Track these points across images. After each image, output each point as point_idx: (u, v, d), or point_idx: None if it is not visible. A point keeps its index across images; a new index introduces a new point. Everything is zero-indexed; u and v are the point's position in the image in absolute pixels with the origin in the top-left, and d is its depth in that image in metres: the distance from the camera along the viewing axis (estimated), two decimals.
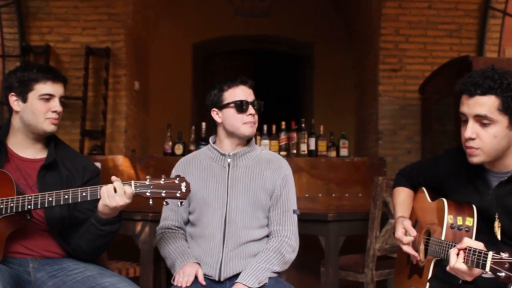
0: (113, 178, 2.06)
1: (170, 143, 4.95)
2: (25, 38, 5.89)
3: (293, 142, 4.93)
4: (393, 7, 6.03)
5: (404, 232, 2.14)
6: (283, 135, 4.92)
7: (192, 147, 4.95)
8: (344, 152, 5.03)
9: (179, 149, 4.91)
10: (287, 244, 2.35)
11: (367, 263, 3.47)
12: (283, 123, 4.91)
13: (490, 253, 1.57)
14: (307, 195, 4.63)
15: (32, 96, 2.23)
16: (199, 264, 2.30)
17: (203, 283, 2.21)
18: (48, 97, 2.24)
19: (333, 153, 4.98)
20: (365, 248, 3.51)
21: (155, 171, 4.76)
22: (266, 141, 4.80)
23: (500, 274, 1.52)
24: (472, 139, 1.91)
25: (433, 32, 6.06)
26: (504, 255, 1.52)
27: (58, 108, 2.27)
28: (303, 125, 4.99)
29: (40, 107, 2.24)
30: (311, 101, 7.80)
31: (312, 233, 3.58)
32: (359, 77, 7.10)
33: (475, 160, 1.94)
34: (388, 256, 3.90)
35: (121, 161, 4.76)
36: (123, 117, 6.03)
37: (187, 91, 7.70)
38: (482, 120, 1.89)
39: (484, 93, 1.87)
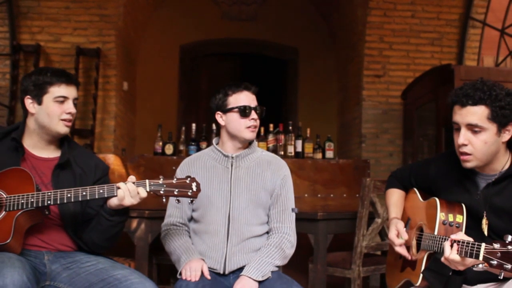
0: (129, 178, 2.19)
1: (161, 143, 5.06)
2: (15, 37, 5.92)
3: (280, 144, 5.07)
4: (378, 15, 6.21)
5: (397, 234, 2.31)
6: (271, 137, 5.06)
7: (181, 147, 5.07)
8: (329, 154, 5.19)
9: (169, 149, 5.02)
10: (287, 240, 2.51)
11: (354, 260, 3.63)
12: (271, 125, 5.05)
13: (483, 244, 1.74)
14: (294, 196, 4.78)
15: (47, 98, 2.33)
16: (203, 260, 2.43)
17: (209, 277, 2.34)
18: (62, 99, 2.34)
19: (319, 155, 5.13)
20: (352, 245, 3.67)
21: (146, 170, 4.86)
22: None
23: (492, 262, 1.69)
24: (465, 145, 2.09)
25: (416, 40, 6.27)
26: (496, 246, 1.69)
27: (72, 109, 2.38)
28: (290, 127, 5.14)
29: (55, 109, 2.33)
30: (296, 104, 7.95)
31: (301, 231, 3.72)
32: (343, 82, 7.28)
33: (469, 165, 2.13)
34: (374, 254, 4.08)
35: (112, 160, 4.84)
36: (112, 116, 6.10)
37: (173, 92, 7.79)
38: (474, 128, 2.07)
39: (475, 103, 2.05)
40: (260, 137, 5.00)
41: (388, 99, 6.25)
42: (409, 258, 2.29)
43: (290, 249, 2.53)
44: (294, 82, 8.02)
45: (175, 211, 2.59)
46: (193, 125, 5.08)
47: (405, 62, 6.26)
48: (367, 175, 4.89)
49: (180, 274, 2.38)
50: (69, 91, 2.37)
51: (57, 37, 6.05)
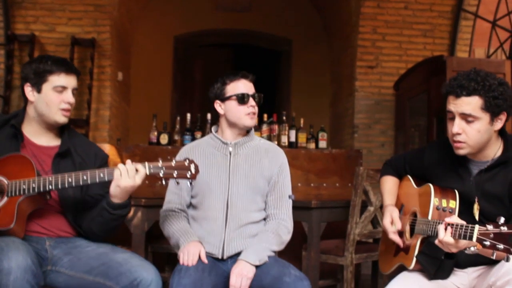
0: (127, 161, 2.23)
1: (156, 133, 5.10)
2: (10, 26, 5.91)
3: (274, 133, 5.12)
4: (371, 6, 6.25)
5: (391, 222, 2.38)
6: (265, 127, 5.11)
7: (176, 137, 5.11)
8: (322, 144, 5.25)
9: (164, 139, 5.06)
10: (283, 226, 2.58)
11: (347, 247, 3.70)
12: (265, 115, 5.10)
13: (477, 226, 1.81)
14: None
15: (46, 87, 2.35)
16: (201, 243, 2.48)
17: (206, 261, 2.39)
18: (61, 89, 2.35)
19: (312, 145, 5.19)
20: (345, 233, 3.74)
21: (141, 159, 4.83)
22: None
23: (485, 243, 1.75)
24: (459, 134, 2.15)
25: (408, 31, 6.31)
26: (490, 227, 1.75)
27: (71, 99, 2.39)
28: (284, 117, 5.19)
29: (54, 98, 2.35)
30: (289, 95, 7.99)
31: (295, 219, 3.78)
32: (336, 72, 7.33)
33: (462, 152, 2.19)
34: (366, 241, 4.15)
35: (108, 149, 4.86)
36: (107, 107, 6.12)
37: (167, 83, 7.81)
38: (467, 118, 2.13)
39: (469, 94, 2.11)
40: (254, 127, 5.04)
41: (380, 90, 6.30)
42: (401, 245, 2.35)
43: (286, 235, 2.59)
44: (287, 73, 8.07)
45: (174, 197, 2.64)
46: (188, 115, 5.12)
47: (398, 53, 6.31)
48: (359, 165, 4.95)
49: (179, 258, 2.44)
50: (69, 81, 2.38)
51: (52, 27, 6.05)
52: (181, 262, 2.38)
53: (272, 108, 6.31)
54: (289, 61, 8.06)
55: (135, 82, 7.35)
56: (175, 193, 2.63)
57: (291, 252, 4.21)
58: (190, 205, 2.66)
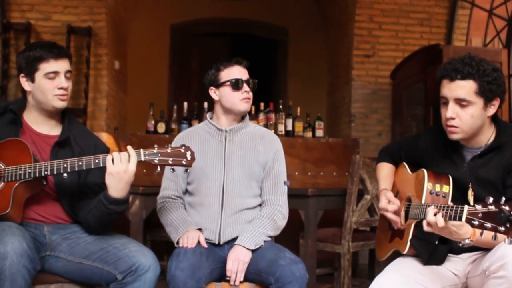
0: (128, 147, 2.23)
1: (153, 122, 5.09)
2: (5, 15, 5.86)
3: (271, 122, 5.12)
4: None
5: (388, 202, 2.39)
6: (261, 116, 5.11)
7: (174, 126, 5.12)
8: (319, 133, 5.25)
9: (161, 127, 5.06)
10: (279, 212, 2.59)
11: (344, 235, 3.73)
12: (262, 104, 5.11)
13: (466, 206, 1.83)
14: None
15: (39, 75, 2.34)
16: (200, 230, 2.50)
17: (205, 245, 2.42)
18: (53, 75, 2.34)
19: (309, 134, 5.19)
20: (342, 222, 3.76)
21: (138, 148, 4.89)
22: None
23: (474, 222, 1.77)
24: (453, 118, 2.16)
25: (405, 20, 6.30)
26: (478, 207, 1.77)
27: (64, 84, 2.36)
28: (280, 106, 5.20)
29: (47, 85, 2.34)
30: (286, 84, 7.98)
31: (292, 207, 3.80)
32: (332, 62, 7.32)
33: (455, 137, 2.20)
34: (363, 230, 4.18)
35: (105, 138, 4.86)
36: (104, 95, 6.09)
37: (164, 72, 7.79)
38: (461, 102, 2.14)
39: (463, 78, 2.12)
40: (251, 116, 5.01)
41: (377, 79, 6.30)
42: (399, 225, 2.35)
43: (282, 221, 2.61)
44: (284, 62, 8.05)
45: (170, 184, 2.65)
46: (185, 103, 5.12)
47: (395, 42, 6.31)
48: (356, 154, 4.96)
49: (178, 243, 2.45)
50: (59, 65, 2.35)
51: (47, 15, 6.00)
52: (180, 244, 2.40)
53: (269, 97, 6.30)
54: (285, 50, 8.04)
55: (132, 71, 7.33)
56: (171, 180, 2.64)
57: (289, 240, 4.23)
58: (186, 192, 2.67)
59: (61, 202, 2.40)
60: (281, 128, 5.13)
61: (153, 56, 7.60)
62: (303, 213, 3.85)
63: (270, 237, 2.59)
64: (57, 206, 2.41)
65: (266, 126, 5.07)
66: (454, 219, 1.87)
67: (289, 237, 4.15)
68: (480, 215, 1.75)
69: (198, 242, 2.43)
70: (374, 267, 4.19)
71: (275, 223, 2.56)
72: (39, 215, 2.36)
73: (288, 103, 5.44)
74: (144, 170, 4.40)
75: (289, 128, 5.17)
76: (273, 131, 5.08)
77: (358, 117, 6.30)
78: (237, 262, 2.38)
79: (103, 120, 6.05)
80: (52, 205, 2.40)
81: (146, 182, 4.06)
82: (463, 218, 1.81)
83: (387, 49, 6.31)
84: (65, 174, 2.23)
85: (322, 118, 5.33)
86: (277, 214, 2.58)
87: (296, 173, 4.86)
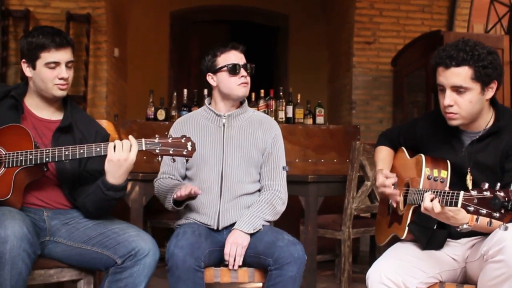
0: (130, 137, 2.23)
1: (153, 109, 5.08)
2: (4, 2, 5.83)
3: (271, 109, 5.11)
4: None
5: (386, 177, 2.38)
6: (261, 103, 5.09)
7: (173, 113, 5.10)
8: (320, 120, 5.23)
9: (161, 114, 5.05)
10: (277, 197, 2.59)
11: (344, 221, 3.72)
12: (262, 91, 5.08)
13: (462, 192, 1.81)
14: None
15: (39, 64, 2.33)
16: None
17: (199, 192, 2.40)
18: (54, 65, 2.32)
19: (309, 121, 5.17)
20: (342, 208, 3.76)
21: (138, 135, 4.81)
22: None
23: (469, 208, 1.76)
24: (451, 105, 2.14)
25: (406, 6, 6.26)
26: (474, 193, 1.75)
27: (65, 74, 2.34)
28: (281, 93, 5.18)
29: (47, 74, 2.33)
30: (286, 71, 7.95)
31: (292, 194, 3.80)
32: (333, 48, 7.28)
33: (455, 123, 2.19)
34: (363, 216, 4.17)
35: (105, 125, 4.85)
36: (104, 83, 6.08)
37: (164, 59, 7.76)
38: (459, 89, 2.12)
39: (458, 64, 2.09)
40: (251, 103, 5.02)
41: (378, 66, 6.28)
42: (397, 200, 2.35)
43: (281, 206, 2.61)
44: (284, 49, 8.02)
45: (169, 168, 2.65)
46: (185, 90, 5.11)
47: (396, 29, 6.27)
48: (357, 140, 4.96)
49: (175, 208, 2.48)
50: (60, 56, 2.33)
51: (46, 2, 5.97)
52: (174, 195, 2.41)
53: (270, 84, 6.29)
54: (286, 37, 8.01)
55: (131, 58, 7.30)
56: (170, 165, 2.64)
57: (289, 227, 4.22)
58: (186, 177, 2.67)
59: (62, 187, 2.41)
60: (281, 115, 5.12)
61: (153, 43, 7.57)
62: (304, 199, 3.84)
63: (269, 222, 2.59)
64: (57, 192, 2.41)
65: (266, 113, 5.04)
66: (450, 204, 1.86)
67: (289, 223, 4.17)
68: (475, 201, 1.74)
69: (197, 224, 2.45)
70: (375, 254, 4.19)
71: (274, 208, 2.56)
72: (40, 200, 2.36)
73: (289, 90, 5.42)
74: (145, 157, 4.40)
75: (290, 115, 5.16)
76: (273, 118, 5.08)
77: (359, 104, 6.29)
78: (235, 246, 2.39)
79: (103, 107, 6.04)
80: (52, 191, 2.40)
81: (146, 169, 4.06)
82: (459, 204, 1.80)
83: (388, 36, 6.28)
84: (66, 160, 2.24)
85: (322, 105, 5.31)
86: (276, 199, 2.58)
87: (297, 160, 4.86)
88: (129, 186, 3.71)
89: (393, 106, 6.24)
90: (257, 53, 8.31)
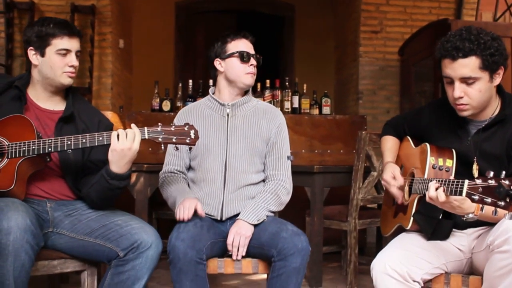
0: (132, 125, 2.21)
1: (158, 100, 5.06)
2: None
3: (277, 99, 5.07)
4: None
5: (393, 177, 2.35)
6: (267, 93, 5.05)
7: (179, 104, 5.08)
8: (326, 110, 5.19)
9: (166, 105, 5.03)
10: (282, 187, 2.56)
11: (350, 212, 3.69)
12: (268, 81, 5.05)
13: (467, 181, 1.78)
14: (290, 151, 4.80)
15: (50, 50, 2.33)
16: (197, 199, 2.45)
17: (203, 214, 2.38)
18: (65, 52, 2.34)
19: (315, 111, 5.13)
20: (348, 199, 3.73)
21: (143, 126, 4.86)
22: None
23: (474, 197, 1.73)
24: (461, 97, 2.09)
25: None
26: (478, 181, 1.72)
27: (75, 62, 2.38)
28: (287, 83, 5.14)
29: (57, 61, 2.34)
30: (292, 61, 7.90)
31: (298, 184, 3.77)
32: (340, 38, 7.23)
33: (466, 113, 2.14)
34: (369, 207, 4.14)
35: (110, 116, 4.85)
36: (109, 74, 6.07)
37: (170, 50, 7.73)
38: (467, 80, 2.07)
39: (465, 55, 2.04)
40: (256, 93, 5.01)
41: (385, 55, 6.23)
42: (400, 201, 2.33)
43: (285, 196, 2.58)
44: (290, 39, 7.97)
45: (173, 159, 2.63)
46: (190, 81, 5.08)
47: (403, 18, 6.22)
48: (363, 130, 4.92)
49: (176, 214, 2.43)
50: (72, 44, 2.36)
51: None
52: (177, 217, 2.38)
53: (276, 74, 6.25)
54: (292, 27, 7.95)
55: (137, 49, 7.28)
56: (174, 155, 2.62)
57: (295, 218, 4.20)
58: (190, 168, 2.65)
59: (65, 178, 2.40)
60: (287, 105, 5.08)
61: (158, 34, 7.53)
62: (309, 190, 3.82)
63: (274, 213, 2.57)
64: (61, 183, 2.40)
65: (272, 103, 5.02)
66: (455, 193, 1.83)
67: (295, 214, 4.14)
68: (480, 189, 1.70)
69: (198, 217, 2.40)
70: (382, 245, 4.15)
71: (278, 198, 2.53)
72: (43, 191, 2.36)
73: (295, 80, 5.38)
74: (150, 149, 4.39)
75: (296, 105, 5.12)
76: (279, 108, 5.05)
77: (365, 94, 6.24)
78: (238, 236, 2.37)
79: (108, 99, 6.04)
80: (56, 182, 2.39)
81: (151, 160, 4.04)
82: (464, 193, 1.77)
83: (395, 25, 6.23)
84: (69, 150, 2.23)
85: (329, 95, 5.26)
86: (281, 189, 2.55)
87: (303, 150, 4.83)
88: (134, 178, 3.70)
89: (400, 96, 6.19)
90: (263, 43, 8.32)
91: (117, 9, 6.31)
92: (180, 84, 5.18)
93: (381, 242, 4.27)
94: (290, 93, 5.11)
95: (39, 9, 5.93)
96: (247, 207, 2.47)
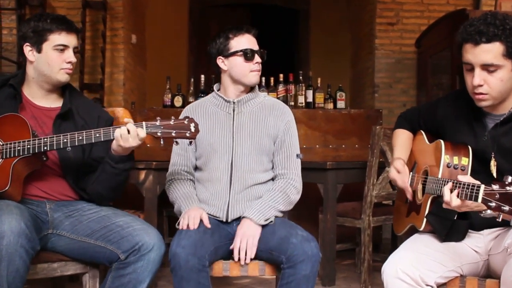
0: (126, 120, 2.14)
1: (170, 95, 5.00)
2: None
3: (291, 94, 4.99)
4: None
5: (397, 172, 2.25)
6: (281, 87, 4.97)
7: (191, 99, 5.00)
8: (341, 104, 5.09)
9: (178, 101, 4.97)
10: (292, 186, 2.47)
11: (364, 209, 3.60)
12: (281, 75, 4.96)
13: (482, 186, 1.66)
14: (304, 146, 4.72)
15: (47, 46, 2.28)
16: (203, 209, 2.39)
17: (208, 226, 2.29)
18: (63, 48, 2.29)
19: (330, 105, 5.04)
20: (362, 196, 3.63)
21: None
22: (264, 93, 4.84)
23: (491, 204, 1.61)
24: (481, 85, 1.96)
25: None
26: (495, 187, 1.60)
27: (72, 58, 2.32)
28: (300, 77, 5.05)
29: (55, 57, 2.28)
30: (308, 55, 7.80)
31: (311, 181, 3.69)
32: (355, 31, 7.10)
33: (484, 104, 2.01)
34: (384, 204, 4.04)
35: (122, 113, 4.80)
36: (121, 70, 6.03)
37: (183, 44, 7.67)
38: (489, 68, 1.94)
39: (489, 40, 1.90)
40: (270, 88, 4.93)
41: (401, 47, 6.10)
42: (411, 195, 2.23)
43: (295, 195, 2.48)
44: (306, 32, 7.85)
45: (179, 159, 2.55)
46: (202, 76, 5.00)
47: (419, 9, 6.07)
48: (379, 125, 4.81)
49: (178, 223, 2.35)
50: (69, 39, 2.31)
51: None
52: (180, 226, 2.30)
53: (291, 68, 6.15)
54: (307, 20, 7.84)
55: (150, 44, 7.22)
56: (180, 155, 2.55)
57: (308, 215, 4.14)
58: (196, 167, 2.56)
59: (66, 178, 2.34)
60: (301, 100, 5.00)
61: (172, 29, 7.47)
62: (322, 187, 3.74)
63: (283, 212, 2.47)
64: (62, 182, 2.35)
65: (285, 98, 4.96)
66: (470, 198, 1.72)
67: (307, 212, 4.06)
68: (497, 196, 1.59)
69: (201, 221, 2.31)
70: (397, 242, 4.06)
71: (287, 197, 2.44)
72: (43, 192, 2.30)
73: (309, 74, 5.27)
74: (162, 145, 4.33)
75: (310, 99, 5.03)
76: (292, 103, 4.97)
77: (381, 88, 6.13)
78: (245, 239, 2.27)
79: (120, 95, 5.99)
80: (56, 182, 2.34)
81: (160, 157, 3.97)
82: (479, 199, 1.66)
83: (411, 16, 6.08)
84: (68, 148, 2.17)
85: (343, 89, 5.15)
86: (290, 188, 2.46)
87: (317, 146, 4.74)
88: (143, 175, 3.65)
89: (417, 89, 6.05)
90: (277, 37, 8.24)
91: (129, 4, 6.25)
92: (192, 79, 5.11)
93: (396, 239, 4.17)
94: (304, 87, 5.01)
95: (51, 5, 5.90)
96: (254, 205, 2.37)
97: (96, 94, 5.86)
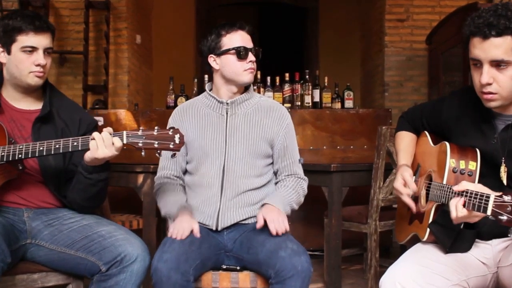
0: (105, 129, 2.00)
1: (173, 96, 4.91)
2: None
3: (297, 94, 4.88)
4: None
5: (404, 184, 2.08)
6: (287, 87, 4.86)
7: None
8: (349, 103, 4.96)
9: (181, 102, 4.85)
10: (300, 187, 2.37)
11: (370, 214, 3.44)
12: (287, 74, 4.85)
13: (492, 196, 1.50)
14: (311, 148, 4.59)
15: (15, 48, 2.15)
16: (194, 219, 2.24)
17: (198, 235, 2.13)
18: (31, 50, 2.15)
19: (337, 105, 4.92)
20: (369, 199, 3.48)
21: (158, 124, 4.64)
22: (269, 93, 4.74)
23: (502, 217, 1.45)
24: (489, 84, 1.79)
25: None
26: (507, 198, 1.45)
27: (42, 61, 2.16)
28: (307, 76, 4.92)
29: (23, 59, 2.15)
30: (317, 53, 7.68)
31: (315, 184, 3.54)
32: (365, 28, 6.97)
33: (493, 104, 1.84)
34: (392, 207, 3.87)
35: (124, 115, 4.73)
36: (125, 71, 5.95)
37: (190, 44, 7.58)
38: (499, 64, 1.77)
39: (499, 34, 1.73)
40: (275, 87, 4.81)
41: (412, 44, 5.96)
42: (415, 211, 2.07)
43: (302, 197, 2.38)
44: (314, 30, 7.75)
45: (168, 163, 2.41)
46: (206, 76, 4.88)
47: (430, 4, 5.93)
48: (388, 125, 4.65)
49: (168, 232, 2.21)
50: (39, 41, 2.15)
51: None
52: (169, 234, 2.15)
53: (300, 67, 6.02)
54: (316, 18, 7.74)
55: (156, 45, 7.13)
56: (170, 160, 2.40)
57: (313, 219, 3.99)
58: (186, 172, 2.42)
59: (47, 184, 2.22)
60: (307, 99, 4.88)
61: (178, 29, 7.39)
62: (327, 190, 3.58)
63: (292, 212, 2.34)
64: (42, 189, 2.22)
65: (291, 98, 4.83)
66: (478, 210, 1.56)
67: (313, 216, 3.91)
68: (509, 208, 1.43)
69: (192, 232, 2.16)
70: (406, 248, 3.89)
71: (298, 196, 2.33)
72: (21, 198, 2.18)
73: (315, 73, 5.13)
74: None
75: (316, 99, 4.91)
76: (299, 103, 4.83)
77: (392, 86, 5.98)
78: (277, 220, 2.11)
79: (125, 96, 5.91)
80: (36, 188, 2.21)
81: (158, 160, 3.85)
82: (489, 211, 1.50)
83: (422, 12, 5.94)
84: (47, 155, 2.03)
85: (351, 88, 5.00)
86: (300, 189, 2.35)
87: (324, 147, 4.61)
88: (140, 179, 3.53)
89: (429, 87, 5.90)
90: (286, 35, 8.11)
91: (132, 3, 6.17)
92: (196, 80, 4.99)
93: (405, 245, 4.00)
94: (310, 87, 4.88)
95: (54, 6, 5.84)
96: (273, 195, 2.26)
97: (100, 96, 5.77)
